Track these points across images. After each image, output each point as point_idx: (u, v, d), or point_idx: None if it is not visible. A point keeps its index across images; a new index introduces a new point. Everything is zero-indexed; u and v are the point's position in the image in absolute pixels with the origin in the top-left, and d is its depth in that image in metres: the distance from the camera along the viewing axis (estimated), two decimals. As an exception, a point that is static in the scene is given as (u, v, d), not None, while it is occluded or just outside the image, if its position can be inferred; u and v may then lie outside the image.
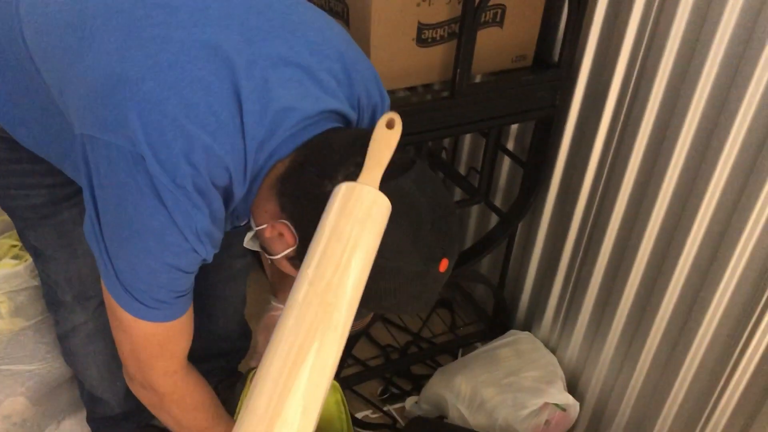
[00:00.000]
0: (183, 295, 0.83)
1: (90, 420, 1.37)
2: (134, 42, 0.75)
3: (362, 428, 1.57)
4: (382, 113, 0.90)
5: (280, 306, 1.13)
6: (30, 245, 1.12)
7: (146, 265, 0.77)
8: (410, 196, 0.75)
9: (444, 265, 0.77)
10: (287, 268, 0.83)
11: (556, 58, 1.34)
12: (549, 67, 1.34)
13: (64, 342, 1.23)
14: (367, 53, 1.17)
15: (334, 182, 0.74)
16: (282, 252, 0.79)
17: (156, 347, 0.86)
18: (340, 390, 1.15)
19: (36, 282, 1.26)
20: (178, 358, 0.91)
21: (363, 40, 1.17)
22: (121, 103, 0.73)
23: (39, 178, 1.01)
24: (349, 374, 1.66)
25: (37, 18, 0.82)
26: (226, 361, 1.47)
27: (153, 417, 1.42)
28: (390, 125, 0.75)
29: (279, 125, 0.77)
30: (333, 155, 0.76)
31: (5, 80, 0.89)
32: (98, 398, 1.30)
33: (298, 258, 0.77)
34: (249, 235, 0.85)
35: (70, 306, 1.17)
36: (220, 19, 0.78)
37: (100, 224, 0.78)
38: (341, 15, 1.23)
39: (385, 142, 0.74)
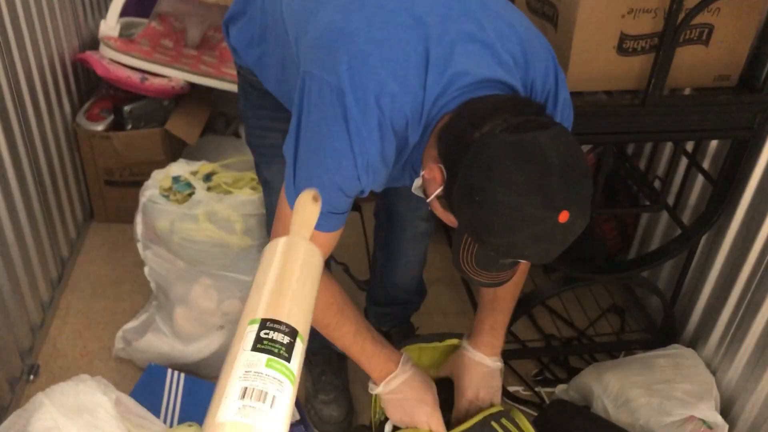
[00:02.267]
0: (337, 213, 1.03)
1: None
2: (357, 5, 0.97)
3: (510, 400, 1.70)
4: (553, 99, 1.03)
5: (472, 350, 1.30)
6: (263, 178, 1.40)
7: (319, 178, 0.98)
8: (543, 147, 0.84)
9: (564, 216, 0.83)
10: (438, 209, 0.98)
11: (761, 82, 1.35)
12: (752, 91, 1.36)
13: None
14: (569, 55, 1.29)
15: (482, 131, 0.87)
16: (434, 192, 0.94)
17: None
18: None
19: (264, 210, 1.55)
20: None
21: (567, 43, 1.29)
22: (338, 50, 0.94)
23: (277, 123, 1.25)
24: (508, 350, 1.79)
25: None
26: (401, 309, 1.69)
27: (338, 356, 1.66)
28: (315, 199, 0.83)
29: (453, 84, 0.94)
30: (486, 109, 0.90)
31: (268, 43, 1.16)
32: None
33: (445, 197, 0.93)
34: (417, 181, 1.02)
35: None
36: None
37: (298, 139, 0.99)
38: (551, 18, 1.36)
39: (308, 213, 0.82)
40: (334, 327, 1.14)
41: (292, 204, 1.03)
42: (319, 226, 1.03)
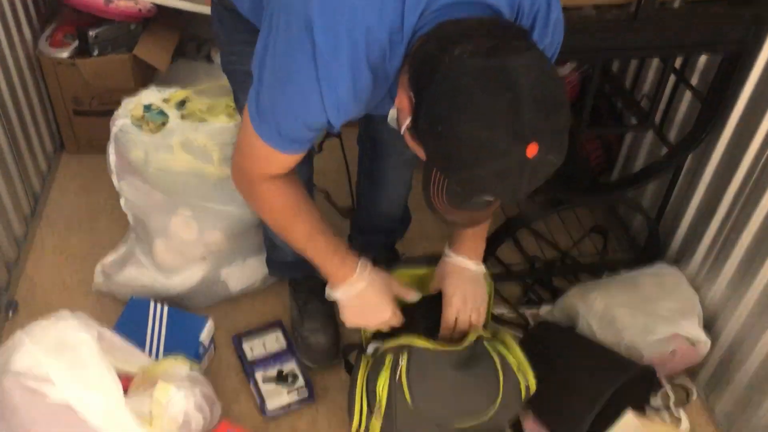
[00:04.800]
0: (298, 143, 1.01)
1: (268, 261, 1.63)
2: None
3: (496, 322, 1.71)
4: (543, 20, 0.96)
5: (454, 256, 1.29)
6: (240, 105, 1.34)
7: (282, 107, 0.95)
8: (513, 73, 0.78)
9: (533, 149, 0.78)
10: (409, 141, 0.93)
11: (755, -8, 1.30)
12: (746, 2, 1.31)
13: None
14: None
15: (451, 56, 0.81)
16: (405, 122, 0.90)
17: (263, 160, 1.06)
18: (492, 285, 1.34)
19: (242, 138, 1.50)
20: (275, 174, 1.09)
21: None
22: None
23: (254, 48, 1.20)
24: (493, 273, 1.79)
25: None
26: (386, 236, 1.66)
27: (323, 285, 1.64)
28: None
29: (429, 6, 0.87)
30: (457, 32, 0.84)
31: None
32: (276, 245, 1.55)
33: (413, 127, 0.88)
34: (392, 112, 0.98)
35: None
36: None
37: (263, 63, 0.95)
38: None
39: None
40: (290, 229, 1.16)
41: (256, 128, 1.01)
42: (277, 146, 1.02)
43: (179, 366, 1.41)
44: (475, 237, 1.30)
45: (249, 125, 1.02)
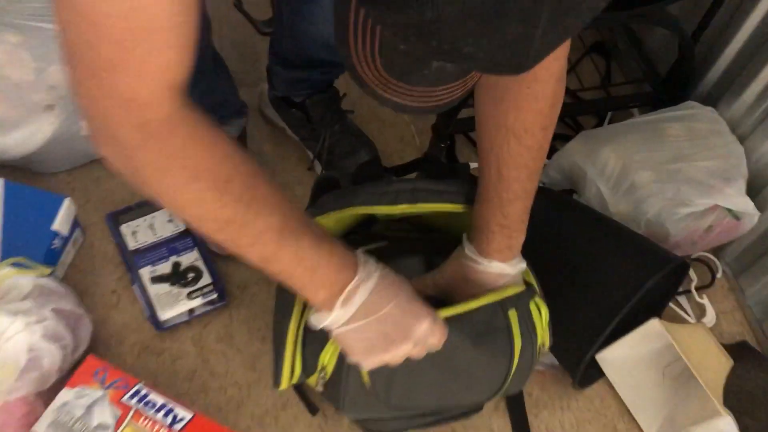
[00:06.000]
0: None
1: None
2: None
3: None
4: None
5: (482, 261, 0.78)
6: None
7: None
8: None
9: None
10: None
11: None
12: None
13: None
14: None
15: None
16: None
17: (119, 43, 0.49)
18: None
19: None
20: (166, 85, 0.54)
21: None
22: None
23: None
24: (465, 117, 1.33)
25: None
26: (321, 72, 1.16)
27: (220, 122, 1.17)
28: None
29: None
30: None
31: None
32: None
33: None
34: None
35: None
36: None
37: None
38: None
39: None
40: (241, 224, 0.60)
41: None
42: None
43: (20, 276, 0.96)
44: (508, 227, 0.78)
45: None
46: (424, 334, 0.68)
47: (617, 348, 1.06)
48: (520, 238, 0.79)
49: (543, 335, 0.82)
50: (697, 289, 1.22)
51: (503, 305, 0.77)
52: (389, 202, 0.79)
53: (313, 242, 0.64)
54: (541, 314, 0.81)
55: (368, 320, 0.67)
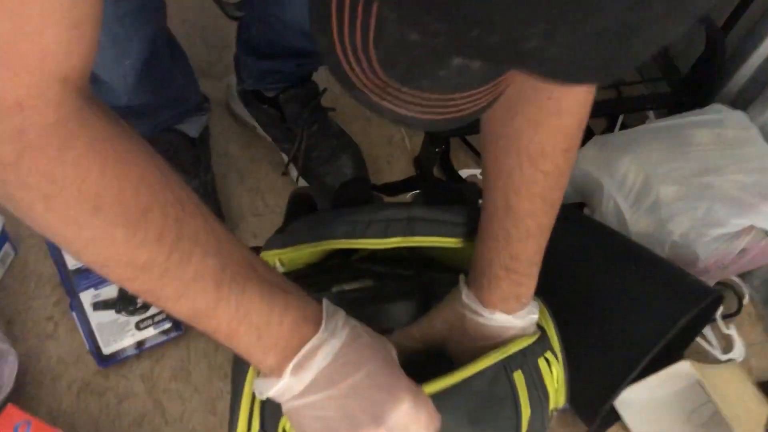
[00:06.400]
0: None
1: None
2: None
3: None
4: None
5: (483, 312, 0.62)
6: None
7: None
8: None
9: None
10: None
11: None
12: None
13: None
14: None
15: None
16: None
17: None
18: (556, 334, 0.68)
19: None
20: (41, 68, 0.38)
21: None
22: None
23: None
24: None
25: None
26: (296, 64, 0.99)
27: (176, 120, 1.01)
28: None
29: None
30: None
31: None
32: (99, 78, 0.87)
33: None
34: None
35: None
36: None
37: None
38: None
39: None
40: (163, 270, 0.44)
41: None
42: None
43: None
44: (515, 271, 0.61)
45: None
46: (402, 419, 0.50)
47: (637, 390, 0.91)
48: (531, 284, 0.62)
49: (556, 397, 0.66)
50: (723, 317, 1.08)
51: (507, 367, 0.61)
52: (378, 233, 0.62)
53: (263, 291, 0.47)
54: (552, 371, 0.65)
55: (327, 393, 0.49)
